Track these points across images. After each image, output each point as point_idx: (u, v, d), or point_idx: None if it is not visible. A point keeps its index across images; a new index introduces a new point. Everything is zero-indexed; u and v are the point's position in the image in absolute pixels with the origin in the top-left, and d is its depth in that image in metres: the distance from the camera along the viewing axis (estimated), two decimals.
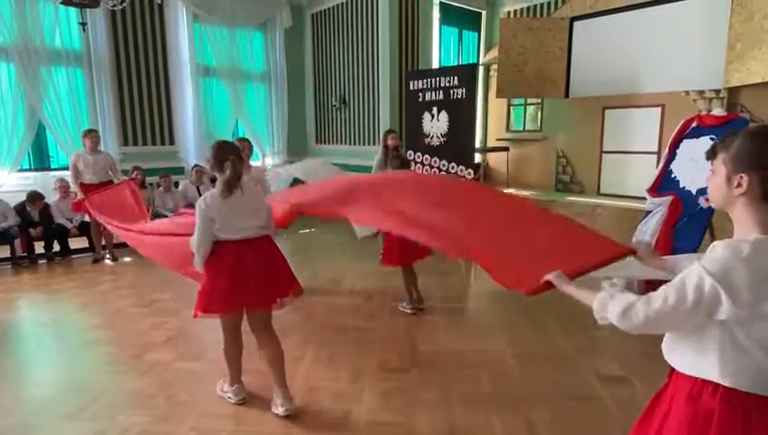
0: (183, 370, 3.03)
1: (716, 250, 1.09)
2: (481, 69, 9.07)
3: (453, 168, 6.66)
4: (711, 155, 1.20)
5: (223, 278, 2.37)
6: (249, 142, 4.52)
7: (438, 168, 6.80)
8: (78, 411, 2.56)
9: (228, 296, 2.38)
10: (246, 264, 2.40)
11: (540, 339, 3.50)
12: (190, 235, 2.47)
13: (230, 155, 2.40)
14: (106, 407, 2.61)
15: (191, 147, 7.69)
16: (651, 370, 2.94)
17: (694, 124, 4.40)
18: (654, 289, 1.16)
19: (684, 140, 4.41)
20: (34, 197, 5.54)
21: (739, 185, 1.11)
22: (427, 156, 6.95)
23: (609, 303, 1.18)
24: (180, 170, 7.43)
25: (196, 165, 7.15)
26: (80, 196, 5.16)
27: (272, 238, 2.58)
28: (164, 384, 2.86)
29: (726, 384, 1.09)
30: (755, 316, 1.04)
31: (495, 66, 8.42)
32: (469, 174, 6.51)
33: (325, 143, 9.15)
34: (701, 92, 6.38)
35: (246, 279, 2.38)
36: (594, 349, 3.30)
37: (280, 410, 2.44)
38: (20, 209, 5.45)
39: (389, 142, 5.44)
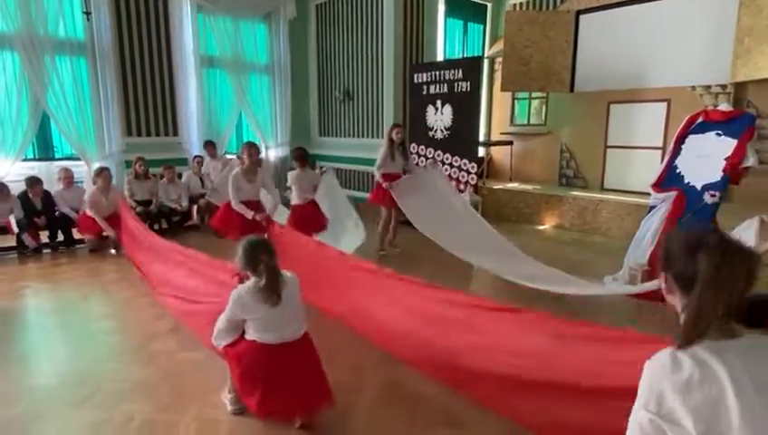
0: (186, 360, 3.05)
1: (645, 372, 1.03)
2: (486, 62, 9.01)
3: (456, 161, 6.65)
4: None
5: (258, 384, 2.24)
6: (257, 148, 4.52)
7: (442, 161, 6.79)
8: (83, 400, 2.59)
9: (262, 405, 2.25)
10: (284, 369, 2.25)
11: None
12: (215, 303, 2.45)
13: (262, 255, 2.22)
14: (110, 396, 2.64)
15: (194, 138, 7.69)
16: None
17: (700, 119, 4.38)
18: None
19: (689, 136, 4.39)
20: (33, 181, 5.56)
21: (666, 283, 1.12)
22: (430, 149, 6.94)
23: None
24: (184, 162, 7.43)
25: (196, 156, 7.16)
26: (111, 233, 5.44)
27: (309, 336, 2.41)
28: (167, 374, 2.88)
29: None
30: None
31: (500, 59, 8.36)
32: (473, 168, 6.50)
33: (329, 136, 9.14)
34: (707, 88, 6.33)
35: (284, 385, 2.25)
36: None
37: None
38: (23, 198, 5.47)
39: (395, 136, 5.26)
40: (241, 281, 2.37)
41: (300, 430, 2.34)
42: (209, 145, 7.16)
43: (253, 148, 4.39)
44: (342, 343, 3.12)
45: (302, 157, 4.87)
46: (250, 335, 2.28)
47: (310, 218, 4.80)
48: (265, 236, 3.68)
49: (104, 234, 5.60)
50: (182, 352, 3.14)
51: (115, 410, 2.50)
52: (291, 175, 4.84)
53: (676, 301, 1.11)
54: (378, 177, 5.22)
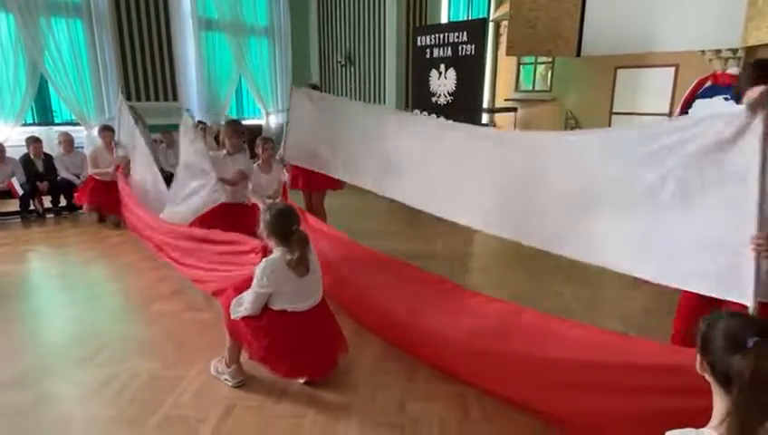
0: (190, 320, 3.10)
1: None
2: (491, 26, 8.78)
3: None
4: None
5: (287, 352, 2.28)
6: (273, 142, 4.26)
7: None
8: (89, 357, 2.65)
9: (292, 371, 2.34)
10: (312, 332, 2.30)
11: (541, 293, 3.54)
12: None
13: (294, 225, 2.19)
14: (116, 353, 2.70)
15: (194, 103, 7.59)
16: (651, 325, 2.99)
17: (708, 83, 4.30)
18: None
19: (697, 100, 4.32)
20: (32, 139, 5.58)
21: (702, 366, 1.10)
22: (433, 115, 6.84)
23: None
24: None
25: (199, 121, 7.08)
26: (108, 178, 5.28)
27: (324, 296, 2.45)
28: (172, 333, 2.94)
29: None
30: None
31: (506, 23, 8.14)
32: None
33: None
34: (717, 52, 6.16)
35: (312, 347, 2.31)
36: (596, 304, 3.34)
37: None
38: (25, 160, 5.48)
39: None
40: (264, 255, 2.33)
41: (305, 385, 2.39)
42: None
43: (268, 142, 4.07)
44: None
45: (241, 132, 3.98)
46: (279, 306, 2.25)
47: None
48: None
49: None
50: (185, 313, 3.19)
51: (121, 366, 2.56)
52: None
53: (714, 389, 1.09)
54: None
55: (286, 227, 2.20)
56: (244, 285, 2.34)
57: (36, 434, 2.06)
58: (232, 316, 2.30)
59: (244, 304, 2.27)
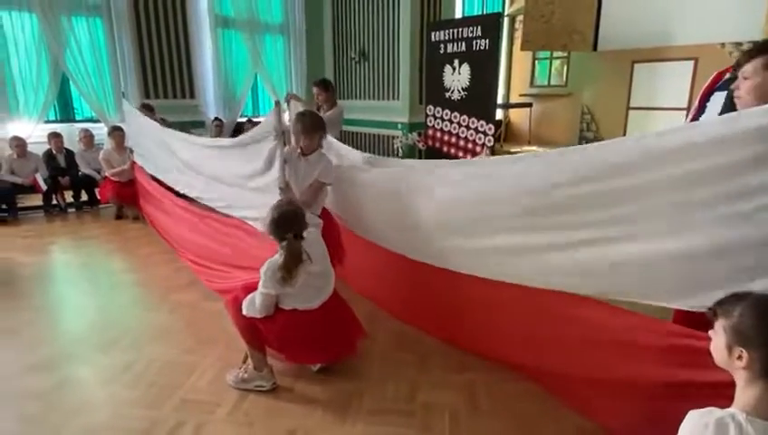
0: (207, 309, 3.16)
1: (686, 426, 1.05)
2: (506, 21, 8.73)
3: (473, 123, 6.55)
4: (712, 314, 1.16)
5: (304, 346, 2.33)
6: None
7: (459, 123, 6.70)
8: (110, 344, 2.74)
9: (310, 360, 2.43)
10: (326, 324, 2.33)
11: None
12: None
13: (288, 232, 2.14)
14: (136, 340, 2.79)
15: (211, 100, 7.71)
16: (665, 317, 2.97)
17: (727, 76, 4.22)
18: None
19: (715, 93, 4.23)
20: (53, 134, 5.75)
21: (740, 358, 1.07)
22: (447, 111, 6.84)
23: None
24: (201, 124, 7.48)
25: (216, 118, 7.20)
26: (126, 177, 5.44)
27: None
28: (189, 322, 3.01)
29: None
30: None
31: (521, 17, 8.09)
32: (490, 129, 6.40)
33: (345, 99, 9.05)
34: (738, 44, 6.04)
35: (328, 336, 2.35)
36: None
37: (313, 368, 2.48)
38: (47, 156, 5.65)
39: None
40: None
41: (318, 372, 2.44)
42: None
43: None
44: (352, 294, 3.20)
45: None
46: (289, 305, 2.26)
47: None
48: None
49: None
50: (203, 302, 3.27)
51: (141, 352, 2.64)
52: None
53: (744, 377, 1.08)
54: None
55: (281, 232, 2.15)
56: (254, 286, 2.32)
57: (59, 415, 2.13)
58: (245, 312, 2.26)
59: (256, 304, 2.25)
